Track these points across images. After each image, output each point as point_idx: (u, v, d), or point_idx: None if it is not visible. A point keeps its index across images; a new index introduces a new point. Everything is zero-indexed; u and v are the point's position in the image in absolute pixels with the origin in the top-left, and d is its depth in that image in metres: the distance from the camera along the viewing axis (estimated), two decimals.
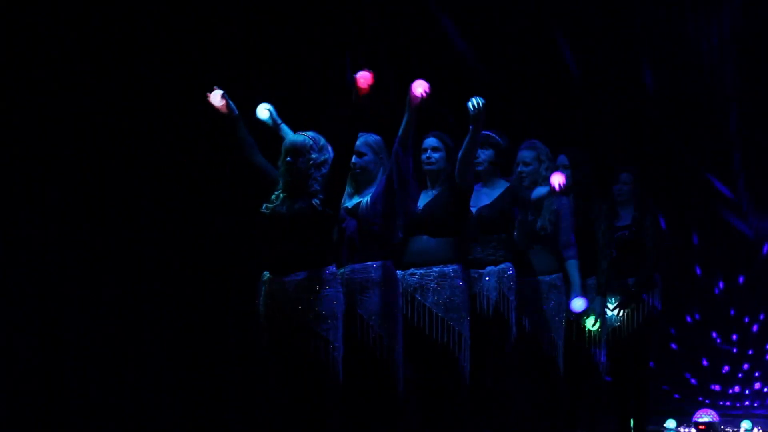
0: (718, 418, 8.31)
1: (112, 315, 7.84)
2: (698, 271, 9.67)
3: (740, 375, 9.48)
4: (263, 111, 6.29)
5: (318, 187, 5.73)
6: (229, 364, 8.33)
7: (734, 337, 9.55)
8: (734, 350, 9.51)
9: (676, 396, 9.53)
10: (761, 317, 9.50)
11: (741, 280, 9.55)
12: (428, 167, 6.43)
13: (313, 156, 5.76)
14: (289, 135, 5.95)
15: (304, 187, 5.76)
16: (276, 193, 5.83)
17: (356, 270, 5.99)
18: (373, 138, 6.15)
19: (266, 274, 5.81)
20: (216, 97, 5.93)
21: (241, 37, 8.53)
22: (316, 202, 5.69)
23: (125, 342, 7.89)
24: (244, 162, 5.97)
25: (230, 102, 5.95)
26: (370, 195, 6.06)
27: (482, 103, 6.03)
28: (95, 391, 7.69)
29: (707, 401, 9.34)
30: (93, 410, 7.67)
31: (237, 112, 5.96)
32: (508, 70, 9.53)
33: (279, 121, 6.28)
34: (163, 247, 8.10)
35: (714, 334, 9.60)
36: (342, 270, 5.99)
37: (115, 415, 7.80)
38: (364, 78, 5.67)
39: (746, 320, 9.55)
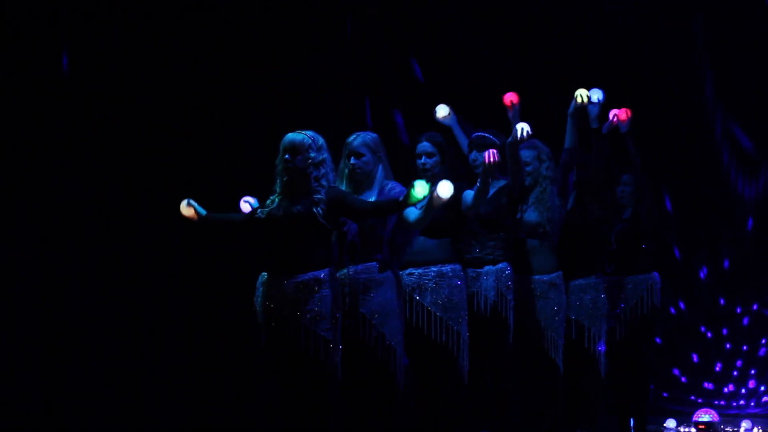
0: (718, 418, 8.29)
1: (112, 316, 7.85)
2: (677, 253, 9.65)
3: (735, 373, 9.47)
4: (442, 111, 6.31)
5: (322, 196, 5.73)
6: (228, 364, 8.33)
7: (725, 331, 9.53)
8: (727, 346, 9.49)
9: (665, 394, 9.52)
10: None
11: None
12: (424, 173, 6.43)
13: (312, 155, 5.75)
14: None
15: (302, 187, 5.75)
16: (272, 197, 5.83)
17: (359, 270, 5.99)
18: (370, 137, 6.13)
19: (264, 275, 5.82)
20: (186, 209, 5.93)
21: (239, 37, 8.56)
22: (318, 211, 5.70)
23: (124, 343, 7.90)
24: (238, 230, 6.01)
25: (197, 206, 5.92)
26: (373, 200, 6.06)
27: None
28: (95, 390, 7.69)
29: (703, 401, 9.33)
30: (93, 410, 7.67)
31: (205, 212, 5.92)
32: (507, 69, 9.53)
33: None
34: (162, 248, 8.10)
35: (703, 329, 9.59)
36: (344, 270, 5.99)
37: (115, 415, 7.80)
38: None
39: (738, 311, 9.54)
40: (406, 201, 5.50)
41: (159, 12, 8.19)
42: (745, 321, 9.47)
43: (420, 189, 5.44)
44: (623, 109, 7.34)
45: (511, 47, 9.47)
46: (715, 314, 9.51)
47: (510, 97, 6.95)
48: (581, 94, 6.97)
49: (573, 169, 7.07)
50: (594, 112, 7.17)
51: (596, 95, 7.12)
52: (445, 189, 5.52)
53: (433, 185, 5.52)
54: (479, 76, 9.42)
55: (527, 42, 9.49)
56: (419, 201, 5.52)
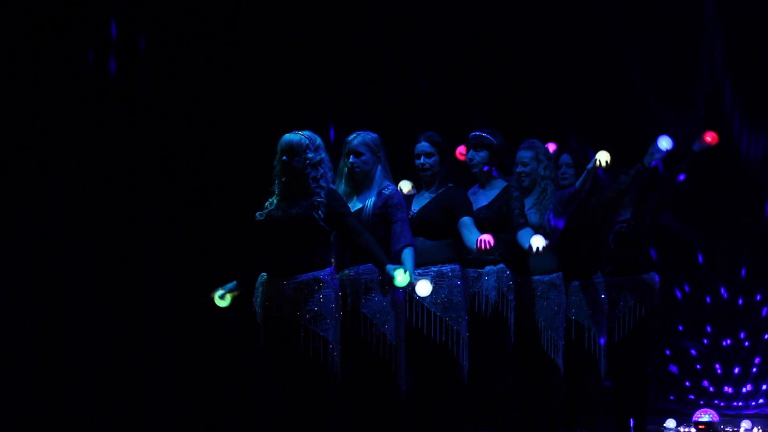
0: (718, 418, 8.29)
1: (111, 316, 7.85)
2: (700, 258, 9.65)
3: (736, 372, 9.47)
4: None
5: (323, 199, 5.73)
6: (227, 365, 8.32)
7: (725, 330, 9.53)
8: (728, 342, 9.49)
9: (671, 397, 9.52)
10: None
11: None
12: (423, 173, 6.44)
13: (309, 155, 5.75)
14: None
15: (301, 187, 5.75)
16: (270, 200, 5.83)
17: (362, 271, 5.99)
18: (370, 137, 6.15)
19: (264, 275, 5.82)
20: (220, 302, 5.93)
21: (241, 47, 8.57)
22: (319, 214, 5.69)
23: (124, 343, 7.89)
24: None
25: (227, 288, 5.91)
26: (371, 201, 6.06)
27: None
28: (95, 391, 7.69)
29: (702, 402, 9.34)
30: (93, 410, 7.67)
31: (235, 282, 5.93)
32: (507, 69, 9.54)
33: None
34: (162, 248, 8.10)
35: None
36: (347, 271, 5.99)
37: (114, 416, 7.80)
38: None
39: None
40: (389, 273, 5.70)
41: (158, 13, 8.20)
42: (745, 320, 9.49)
43: (400, 279, 5.66)
44: (710, 132, 7.16)
45: (511, 48, 9.50)
46: (716, 313, 9.52)
47: (461, 150, 6.97)
48: (599, 159, 6.84)
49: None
50: (658, 158, 7.02)
51: (665, 143, 6.96)
52: (424, 289, 5.80)
53: (414, 281, 5.74)
54: (479, 80, 9.46)
55: (528, 42, 9.52)
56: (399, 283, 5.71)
